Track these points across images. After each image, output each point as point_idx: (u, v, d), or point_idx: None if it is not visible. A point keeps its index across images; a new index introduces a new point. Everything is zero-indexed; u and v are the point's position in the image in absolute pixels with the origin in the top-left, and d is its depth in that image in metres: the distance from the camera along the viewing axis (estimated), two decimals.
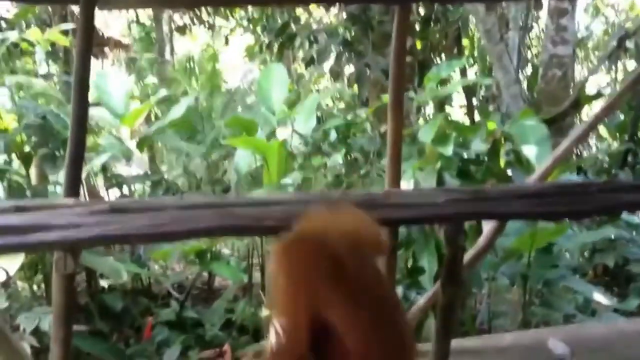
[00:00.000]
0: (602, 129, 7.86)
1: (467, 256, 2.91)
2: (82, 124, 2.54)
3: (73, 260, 2.22)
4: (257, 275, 5.22)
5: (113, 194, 5.34)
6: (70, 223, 2.26)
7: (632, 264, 4.93)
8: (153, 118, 6.39)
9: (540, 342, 3.03)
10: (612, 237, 4.80)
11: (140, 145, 5.50)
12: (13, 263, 3.81)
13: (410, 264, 4.13)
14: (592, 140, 8.88)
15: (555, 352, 2.95)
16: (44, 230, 2.21)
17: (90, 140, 4.79)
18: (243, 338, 4.54)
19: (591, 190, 2.65)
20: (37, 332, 3.86)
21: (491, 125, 4.82)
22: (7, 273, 3.72)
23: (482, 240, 2.96)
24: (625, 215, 5.13)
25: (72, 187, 2.49)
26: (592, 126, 3.63)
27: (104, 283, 4.45)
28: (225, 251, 5.41)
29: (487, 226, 2.92)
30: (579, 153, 7.63)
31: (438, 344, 2.50)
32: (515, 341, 3.12)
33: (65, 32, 5.44)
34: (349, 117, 6.06)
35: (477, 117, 8.41)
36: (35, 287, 4.67)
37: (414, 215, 2.38)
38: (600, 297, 4.06)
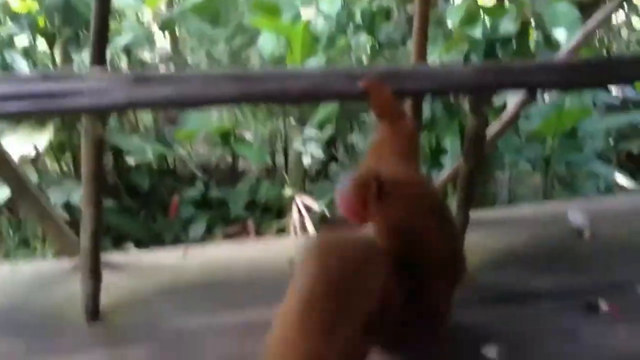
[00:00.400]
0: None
1: (491, 130, 2.91)
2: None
3: (101, 125, 2.26)
4: (280, 160, 5.29)
5: None
6: (98, 90, 2.28)
7: None
8: (175, 2, 6.29)
9: (559, 214, 3.07)
10: (636, 121, 4.72)
11: (162, 28, 5.44)
12: (41, 138, 3.91)
13: (433, 145, 4.14)
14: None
15: (574, 223, 3.00)
16: (72, 97, 2.23)
17: (112, 26, 4.75)
18: (266, 217, 4.67)
19: (617, 63, 2.59)
20: (67, 207, 4.01)
21: (521, 6, 4.66)
22: (36, 148, 3.82)
23: (506, 114, 2.94)
24: None
25: (98, 61, 2.48)
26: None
27: (130, 161, 4.52)
28: (249, 136, 5.44)
29: (512, 101, 2.90)
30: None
31: (458, 213, 2.54)
32: (535, 213, 3.16)
33: None
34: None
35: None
36: (64, 167, 4.79)
37: (438, 86, 2.35)
38: (622, 179, 4.07)
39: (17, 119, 3.13)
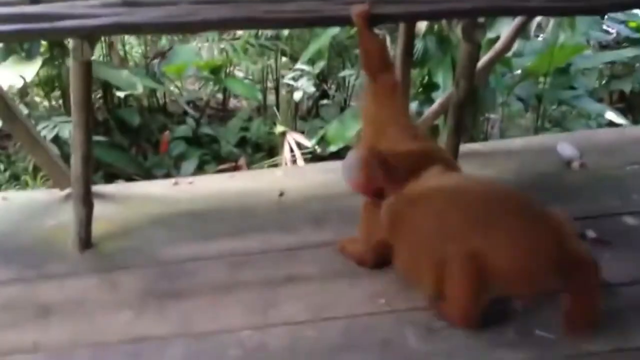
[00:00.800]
0: None
1: (484, 59, 2.89)
2: None
3: (89, 48, 2.23)
4: (271, 98, 5.25)
5: None
6: (86, 13, 2.25)
7: None
8: None
9: (550, 146, 3.07)
10: (630, 56, 4.69)
11: None
12: (29, 71, 3.85)
13: (425, 80, 4.11)
14: None
15: (563, 154, 3.01)
16: (60, 19, 2.19)
17: None
18: (258, 154, 4.66)
19: None
20: (57, 141, 3.98)
21: None
22: (24, 79, 3.76)
23: (499, 44, 2.91)
24: None
25: None
26: None
27: (119, 95, 4.47)
28: (239, 74, 5.38)
29: (505, 30, 2.86)
30: None
31: (448, 141, 2.54)
32: (526, 145, 3.16)
33: None
34: None
35: None
36: (53, 103, 4.74)
37: (430, 10, 2.31)
38: (613, 116, 4.07)
39: (8, 40, 3.11)
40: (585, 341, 1.98)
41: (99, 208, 2.68)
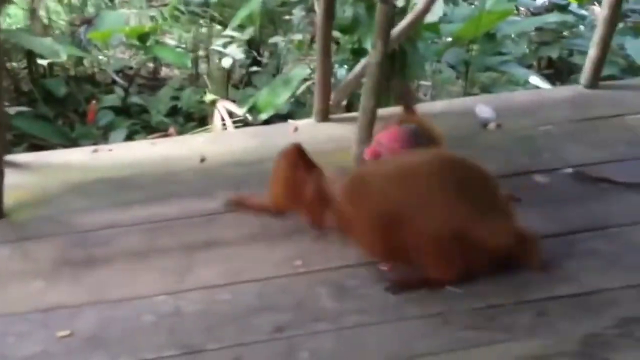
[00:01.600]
0: None
1: (404, 22, 2.90)
2: None
3: None
4: (203, 67, 5.17)
5: None
6: None
7: (576, 56, 5.00)
8: None
9: (469, 108, 3.11)
10: (554, 21, 4.79)
11: None
12: None
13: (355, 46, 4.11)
14: None
15: (481, 116, 3.06)
16: None
17: None
18: (189, 124, 4.60)
19: None
20: None
21: None
22: None
23: (418, 6, 2.93)
24: (574, 8, 5.13)
25: None
26: None
27: (43, 63, 4.33)
28: (171, 42, 5.27)
29: None
30: None
31: (365, 102, 2.56)
32: (445, 108, 3.20)
33: None
34: None
35: None
36: None
37: None
38: (537, 80, 4.16)
39: None
40: (492, 294, 2.04)
41: (14, 177, 2.62)
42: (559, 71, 5.23)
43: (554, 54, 5.06)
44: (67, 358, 1.87)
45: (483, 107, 3.07)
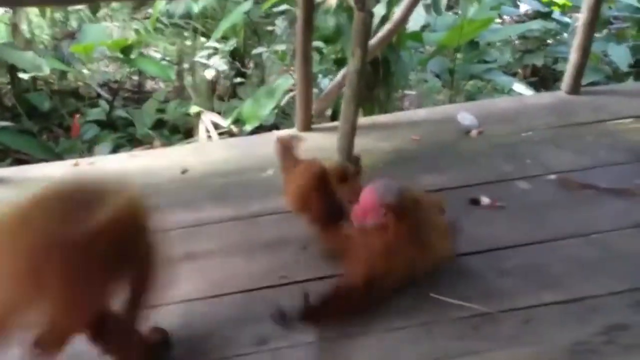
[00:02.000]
0: None
1: (382, 31, 2.90)
2: None
3: None
4: (189, 79, 5.15)
5: None
6: None
7: (560, 63, 5.02)
8: None
9: (452, 116, 3.11)
10: (536, 28, 4.81)
11: None
12: None
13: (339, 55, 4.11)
14: None
15: (463, 123, 3.06)
16: None
17: None
18: (175, 136, 4.57)
19: None
20: None
21: None
22: None
23: (396, 14, 2.93)
24: (557, 16, 5.16)
25: None
26: None
27: (24, 77, 4.30)
28: (157, 55, 5.25)
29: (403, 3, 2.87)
30: None
31: (344, 110, 2.55)
32: (428, 116, 3.19)
33: None
34: None
35: None
36: None
37: None
38: (521, 88, 4.17)
39: None
40: (478, 302, 2.01)
41: None
42: (544, 79, 5.24)
43: (538, 61, 5.07)
44: None
45: (465, 114, 3.07)
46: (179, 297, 2.10)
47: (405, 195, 2.00)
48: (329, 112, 3.97)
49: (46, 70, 4.04)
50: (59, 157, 4.19)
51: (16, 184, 2.81)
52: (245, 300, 2.09)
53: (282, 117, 4.47)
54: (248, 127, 4.07)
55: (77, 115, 4.40)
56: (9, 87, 4.76)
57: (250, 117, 4.04)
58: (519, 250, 2.26)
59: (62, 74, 4.80)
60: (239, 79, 4.74)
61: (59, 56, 4.62)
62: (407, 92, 4.75)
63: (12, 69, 4.56)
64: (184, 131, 4.62)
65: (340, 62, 4.01)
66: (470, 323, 1.96)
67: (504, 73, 4.80)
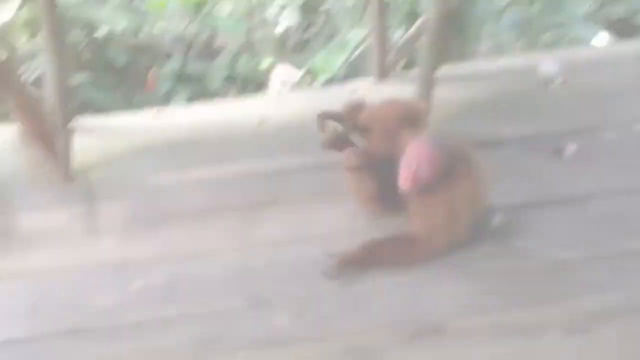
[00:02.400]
0: None
1: None
2: None
3: None
4: (259, 33, 5.16)
5: None
6: None
7: None
8: None
9: (532, 66, 3.03)
10: None
11: None
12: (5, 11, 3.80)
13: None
14: None
15: (545, 73, 2.96)
16: None
17: None
18: (247, 90, 4.62)
19: None
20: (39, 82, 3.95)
21: None
22: None
23: None
24: None
25: None
26: None
27: (102, 32, 4.40)
28: (227, 10, 5.27)
29: None
30: None
31: (424, 61, 2.51)
32: (507, 66, 3.12)
33: None
34: None
35: None
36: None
37: None
38: (604, 37, 3.99)
39: None
40: (564, 251, 1.98)
41: (80, 139, 2.68)
42: (623, 30, 5.01)
43: (619, 12, 4.84)
44: (140, 310, 1.91)
45: (548, 63, 2.98)
46: (264, 239, 2.15)
47: (458, 150, 1.98)
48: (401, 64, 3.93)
49: (122, 25, 4.12)
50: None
51: (100, 133, 2.91)
52: (327, 243, 2.09)
53: (354, 70, 4.44)
54: (321, 79, 4.08)
55: (153, 71, 4.50)
56: (86, 42, 4.89)
57: (323, 69, 4.05)
58: (605, 199, 2.20)
59: (137, 30, 4.90)
60: (309, 32, 4.73)
61: (134, 12, 4.72)
62: (482, 43, 4.62)
63: (88, 25, 4.68)
64: (256, 84, 4.67)
65: (411, 15, 3.94)
66: (555, 270, 1.93)
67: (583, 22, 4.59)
